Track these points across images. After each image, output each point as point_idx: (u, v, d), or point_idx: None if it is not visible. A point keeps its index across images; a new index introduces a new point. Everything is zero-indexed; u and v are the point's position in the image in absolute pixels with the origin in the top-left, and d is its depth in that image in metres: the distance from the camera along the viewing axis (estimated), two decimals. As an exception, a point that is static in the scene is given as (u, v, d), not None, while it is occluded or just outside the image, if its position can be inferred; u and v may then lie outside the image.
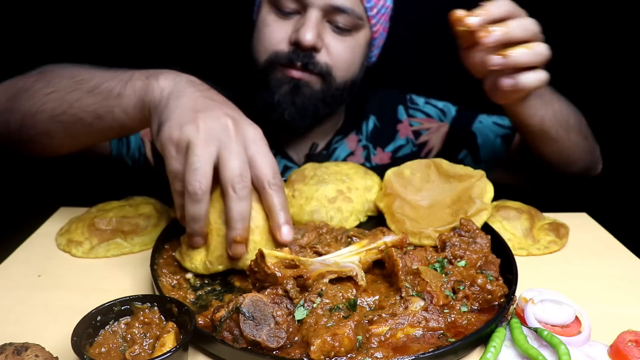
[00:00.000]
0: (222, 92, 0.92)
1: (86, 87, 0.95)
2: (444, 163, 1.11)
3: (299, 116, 1.28)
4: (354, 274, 0.83)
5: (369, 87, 1.57)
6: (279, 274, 0.76)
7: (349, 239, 0.97)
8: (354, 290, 0.81)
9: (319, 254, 0.90)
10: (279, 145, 1.43)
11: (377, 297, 0.82)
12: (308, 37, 1.19)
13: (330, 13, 1.23)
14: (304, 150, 1.44)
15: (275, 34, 1.25)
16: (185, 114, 0.82)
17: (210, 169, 0.79)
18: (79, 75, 0.98)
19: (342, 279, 0.83)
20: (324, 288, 0.77)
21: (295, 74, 1.25)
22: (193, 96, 0.86)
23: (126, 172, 1.40)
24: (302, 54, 1.23)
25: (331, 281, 0.81)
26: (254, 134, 0.85)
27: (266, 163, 0.84)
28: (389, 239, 0.90)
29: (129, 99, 0.91)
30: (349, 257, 0.86)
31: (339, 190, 1.10)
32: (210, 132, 0.80)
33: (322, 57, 1.25)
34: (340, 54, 1.27)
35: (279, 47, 1.25)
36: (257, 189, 0.85)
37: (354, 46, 1.29)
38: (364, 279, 0.83)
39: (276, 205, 0.84)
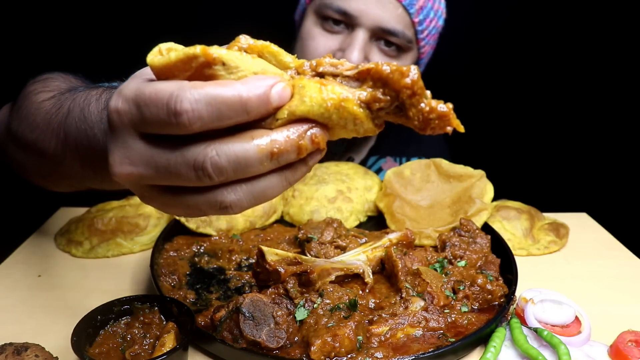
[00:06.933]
0: None
1: (36, 148, 0.78)
2: (443, 163, 1.11)
3: (334, 144, 1.21)
4: (361, 271, 0.83)
5: None
6: (282, 270, 0.76)
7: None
8: (361, 292, 0.81)
9: (342, 248, 0.90)
10: None
11: (377, 298, 0.82)
12: (354, 57, 1.14)
13: (378, 34, 1.18)
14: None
15: (320, 49, 1.20)
16: None
17: None
18: (26, 124, 0.80)
19: (349, 279, 0.83)
20: (330, 289, 0.77)
21: None
22: None
23: None
24: None
25: (338, 282, 0.81)
26: None
27: None
28: (393, 236, 0.91)
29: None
30: (355, 257, 0.86)
31: (339, 190, 1.10)
32: None
33: None
34: None
35: None
36: None
37: None
38: (371, 275, 0.83)
39: None
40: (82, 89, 0.73)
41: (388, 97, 0.46)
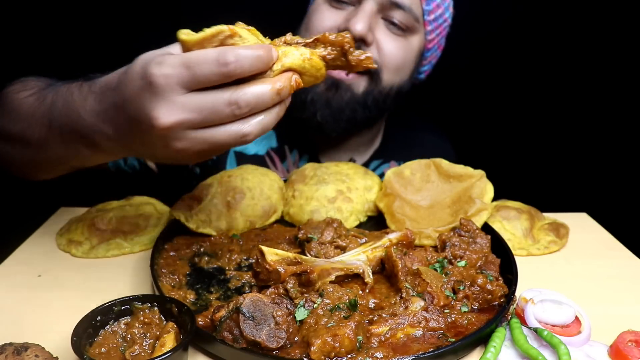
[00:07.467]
0: None
1: (20, 137, 0.90)
2: (443, 163, 1.12)
3: (332, 119, 1.21)
4: (361, 271, 0.83)
5: (410, 115, 1.53)
6: (281, 270, 0.77)
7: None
8: (361, 292, 0.81)
9: (342, 248, 0.90)
10: (313, 152, 1.37)
11: (377, 298, 0.82)
12: (359, 26, 1.12)
13: (386, 8, 1.17)
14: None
15: (326, 21, 1.19)
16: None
17: None
18: (10, 118, 0.92)
19: (349, 279, 0.83)
20: (330, 289, 0.77)
21: (335, 74, 1.17)
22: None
23: (127, 176, 1.38)
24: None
25: (338, 282, 0.81)
26: None
27: None
28: (393, 236, 0.91)
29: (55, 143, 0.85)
30: (355, 257, 0.86)
31: (339, 190, 1.10)
32: None
33: (371, 53, 1.15)
34: (392, 52, 1.19)
35: None
36: None
37: (406, 48, 1.22)
38: (371, 275, 0.83)
39: None
40: (60, 83, 0.87)
41: (336, 51, 0.76)
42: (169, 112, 0.65)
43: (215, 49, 0.66)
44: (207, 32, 0.67)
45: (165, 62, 0.65)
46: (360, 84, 1.20)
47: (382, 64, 1.20)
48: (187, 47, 0.68)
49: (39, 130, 0.85)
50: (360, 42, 1.16)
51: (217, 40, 0.68)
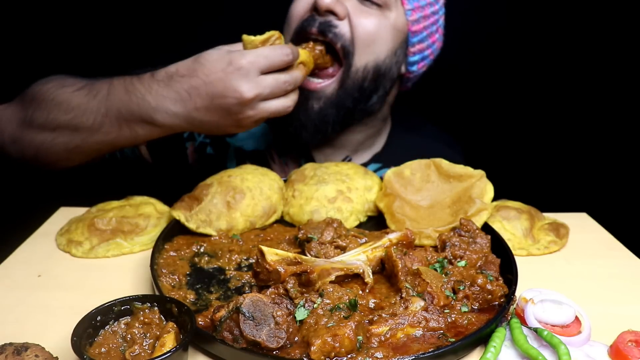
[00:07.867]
0: None
1: (71, 125, 1.05)
2: (443, 163, 1.12)
3: (303, 130, 1.22)
4: (361, 271, 0.83)
5: (418, 121, 1.52)
6: (281, 270, 0.77)
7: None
8: (361, 292, 0.81)
9: (342, 248, 0.90)
10: (307, 149, 1.35)
11: (377, 298, 0.82)
12: (326, 0, 1.12)
13: None
14: (334, 159, 1.36)
15: (300, 6, 1.19)
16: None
17: None
18: (59, 110, 1.06)
19: (349, 279, 0.83)
20: (330, 289, 0.77)
21: (304, 84, 1.17)
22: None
23: (123, 170, 1.39)
24: (319, 19, 1.15)
25: (338, 282, 0.81)
26: None
27: None
28: (393, 236, 0.91)
29: (110, 125, 1.03)
30: (355, 257, 0.86)
31: (339, 190, 1.10)
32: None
33: (344, 27, 1.15)
34: (364, 25, 1.17)
35: (301, 20, 1.18)
36: None
37: (380, 21, 1.19)
38: (371, 275, 0.83)
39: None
40: (109, 79, 1.05)
41: (319, 52, 1.14)
42: (252, 87, 0.94)
43: (278, 45, 0.99)
44: (267, 34, 1.01)
45: (248, 53, 0.95)
46: (330, 85, 1.20)
47: (354, 39, 1.17)
48: (253, 45, 0.99)
49: (94, 117, 1.03)
50: (332, 15, 1.15)
51: (271, 40, 1.01)
